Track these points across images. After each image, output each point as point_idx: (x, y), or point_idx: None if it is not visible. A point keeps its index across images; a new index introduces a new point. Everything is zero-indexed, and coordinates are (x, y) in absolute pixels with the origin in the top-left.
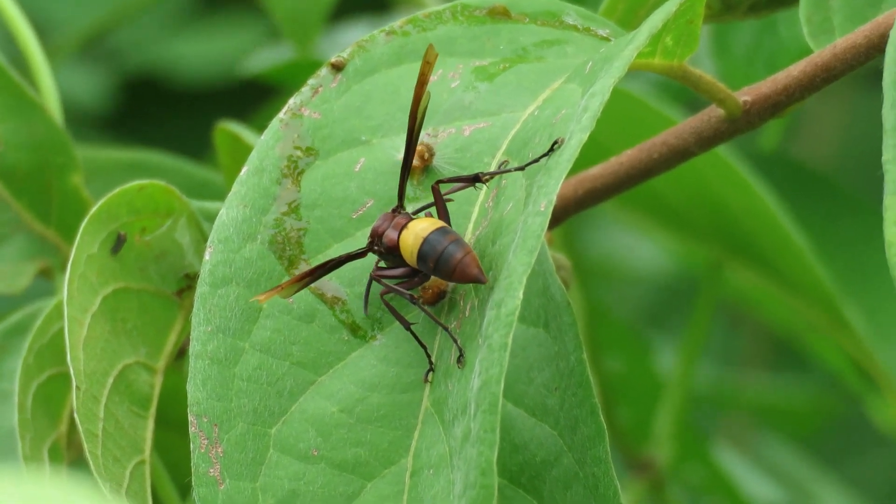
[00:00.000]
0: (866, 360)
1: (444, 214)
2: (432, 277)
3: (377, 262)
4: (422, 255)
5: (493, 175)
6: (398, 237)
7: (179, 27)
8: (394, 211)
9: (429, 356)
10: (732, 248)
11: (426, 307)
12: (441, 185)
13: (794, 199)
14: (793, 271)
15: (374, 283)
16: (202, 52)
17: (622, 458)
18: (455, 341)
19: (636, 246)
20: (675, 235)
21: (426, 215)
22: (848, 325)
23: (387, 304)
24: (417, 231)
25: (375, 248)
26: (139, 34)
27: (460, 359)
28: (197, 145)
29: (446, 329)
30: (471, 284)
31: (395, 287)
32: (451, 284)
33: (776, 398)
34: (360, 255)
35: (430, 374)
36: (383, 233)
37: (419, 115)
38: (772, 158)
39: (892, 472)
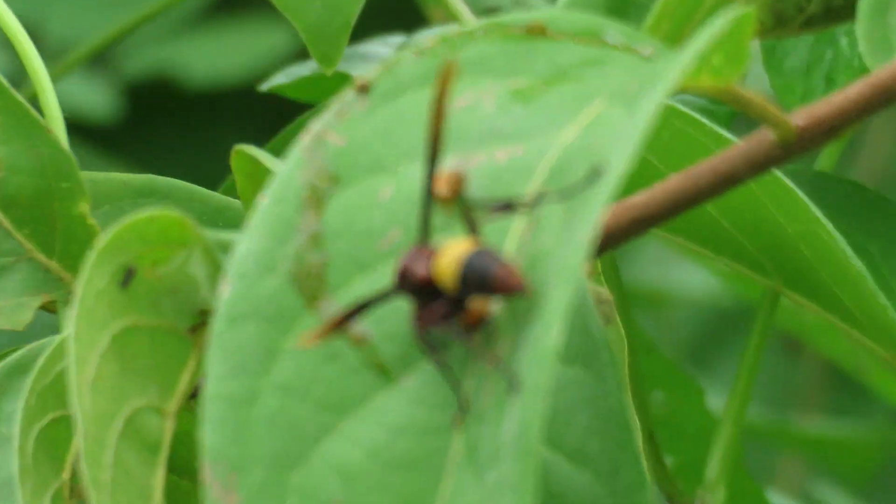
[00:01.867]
0: None
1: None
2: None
3: (417, 312)
4: (462, 276)
5: (528, 204)
6: (431, 269)
7: (191, 31)
8: (418, 246)
9: (462, 398)
10: (788, 276)
11: (471, 342)
12: (473, 214)
13: (853, 221)
14: (853, 300)
15: (413, 322)
16: (217, 58)
17: (670, 503)
18: (504, 374)
19: (686, 274)
20: (730, 265)
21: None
22: None
23: (425, 345)
24: (453, 255)
25: (403, 288)
26: (146, 38)
27: (513, 390)
28: (211, 162)
29: (492, 365)
30: (507, 316)
31: (435, 354)
32: (492, 310)
33: (836, 438)
34: (393, 295)
35: (462, 416)
36: (411, 271)
37: (437, 139)
38: (829, 177)
39: None
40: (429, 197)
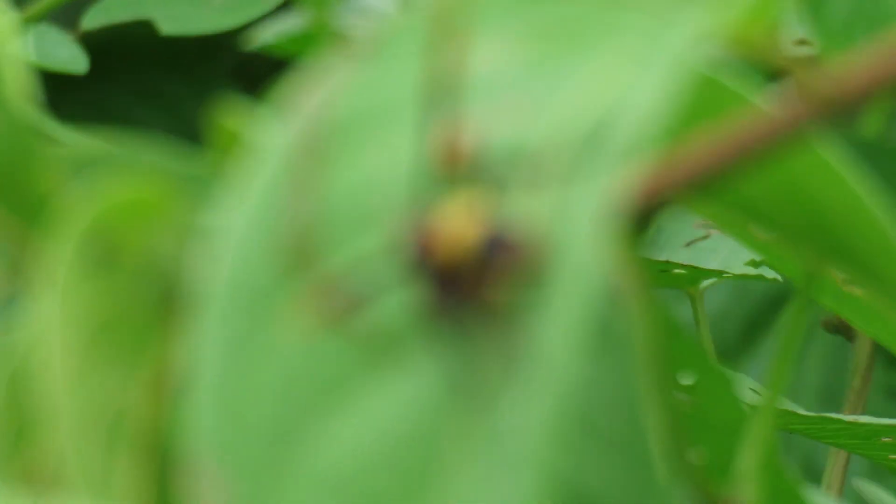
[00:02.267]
0: None
1: (485, 214)
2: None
3: (425, 295)
4: (469, 258)
5: (538, 172)
6: (436, 245)
7: None
8: (422, 219)
9: (469, 387)
10: (828, 253)
11: (480, 324)
12: (482, 179)
13: None
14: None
15: (415, 307)
16: (192, 5)
17: (698, 500)
18: (519, 357)
19: (718, 249)
20: (766, 232)
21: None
22: None
23: (432, 329)
24: (461, 232)
25: (411, 269)
26: None
27: (521, 379)
28: (183, 123)
29: (504, 354)
30: (521, 301)
31: (446, 310)
32: (509, 290)
33: (884, 430)
34: (396, 279)
35: (466, 408)
36: (417, 250)
37: (437, 99)
38: (873, 145)
39: None
40: (431, 160)
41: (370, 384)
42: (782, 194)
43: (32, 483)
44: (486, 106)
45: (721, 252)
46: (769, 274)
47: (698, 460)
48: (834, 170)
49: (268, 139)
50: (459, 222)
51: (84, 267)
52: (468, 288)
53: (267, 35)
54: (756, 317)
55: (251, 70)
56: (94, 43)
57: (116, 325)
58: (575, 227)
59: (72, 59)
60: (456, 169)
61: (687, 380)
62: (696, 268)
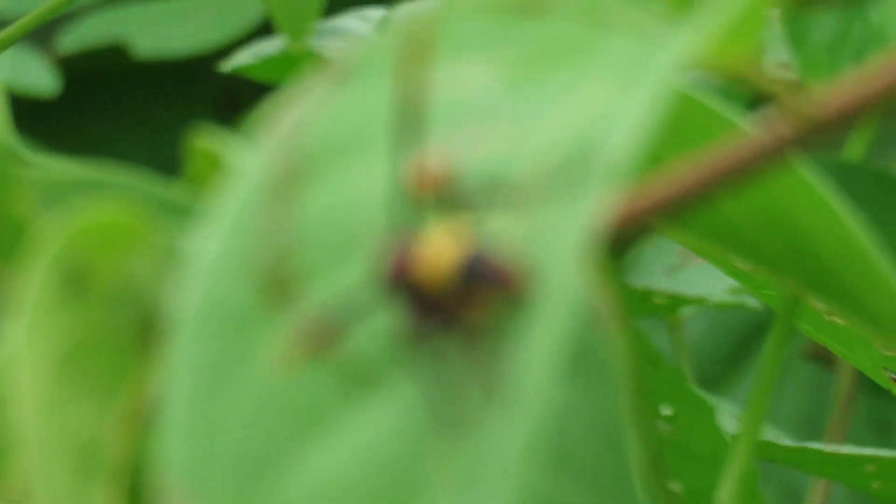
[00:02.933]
0: None
1: (467, 236)
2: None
3: (401, 316)
4: (451, 277)
5: (518, 194)
6: (415, 267)
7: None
8: (400, 242)
9: (447, 412)
10: (809, 279)
11: (460, 349)
12: (460, 202)
13: (882, 216)
14: (880, 305)
15: (394, 332)
16: (171, 30)
17: None
18: (498, 383)
19: (702, 276)
20: (744, 263)
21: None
22: None
23: (411, 354)
24: (440, 252)
25: (388, 289)
26: (86, 5)
27: (499, 405)
28: (161, 149)
29: (479, 380)
30: (499, 324)
31: (426, 336)
32: (485, 311)
33: (861, 462)
34: (373, 301)
35: (445, 433)
36: (394, 270)
37: (413, 122)
38: (855, 169)
39: None
40: (408, 187)
41: (348, 413)
42: (765, 219)
43: None
44: (466, 129)
45: (701, 280)
46: (750, 302)
47: (678, 489)
48: (817, 194)
49: (243, 163)
50: (438, 246)
51: (54, 292)
52: (448, 311)
53: (245, 57)
54: (736, 346)
55: (232, 96)
56: (71, 67)
57: (89, 350)
58: (556, 251)
59: (45, 83)
60: (434, 193)
61: (667, 409)
62: (675, 296)
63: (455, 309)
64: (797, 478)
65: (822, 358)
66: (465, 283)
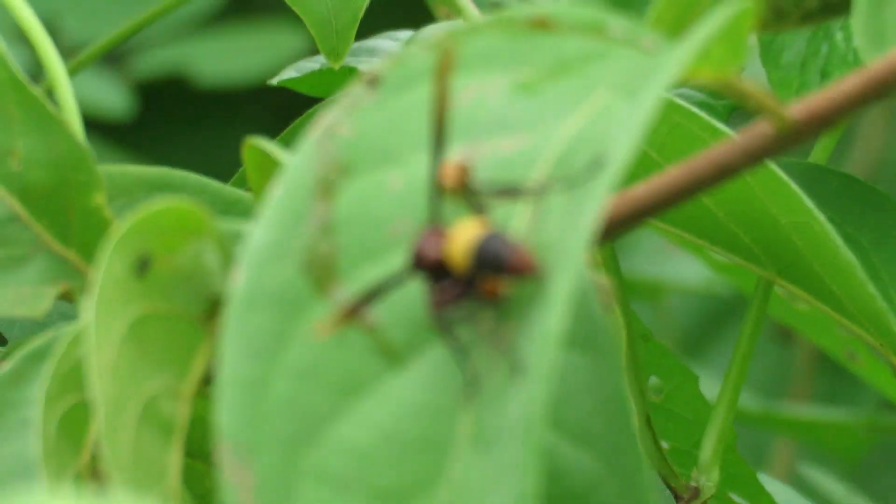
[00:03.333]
0: None
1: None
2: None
3: (431, 293)
4: (474, 258)
5: (532, 192)
6: (443, 251)
7: (203, 30)
8: (430, 230)
9: (471, 377)
10: (781, 266)
11: (480, 324)
12: (482, 199)
13: (845, 213)
14: (844, 289)
15: (426, 303)
16: (228, 56)
17: (667, 485)
18: (510, 358)
19: (681, 264)
20: (724, 255)
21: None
22: None
23: (437, 324)
24: (465, 237)
25: (419, 270)
26: (160, 36)
27: (517, 373)
28: (222, 156)
29: (499, 348)
30: (514, 300)
31: (452, 336)
32: (502, 291)
33: (825, 423)
34: (405, 279)
35: (470, 395)
36: (424, 252)
37: (441, 129)
38: (823, 170)
39: None
40: (436, 185)
41: (383, 377)
42: (743, 214)
43: (94, 479)
44: (488, 135)
45: (681, 267)
46: (719, 290)
47: (666, 448)
48: (790, 192)
49: (289, 164)
50: (462, 230)
51: (120, 270)
52: (471, 285)
53: (290, 72)
54: (708, 324)
55: (282, 115)
56: (142, 90)
57: (153, 323)
58: (569, 236)
59: (120, 104)
60: (459, 189)
61: (655, 379)
62: (658, 282)
63: (478, 283)
64: (764, 437)
65: (782, 337)
66: (485, 261)
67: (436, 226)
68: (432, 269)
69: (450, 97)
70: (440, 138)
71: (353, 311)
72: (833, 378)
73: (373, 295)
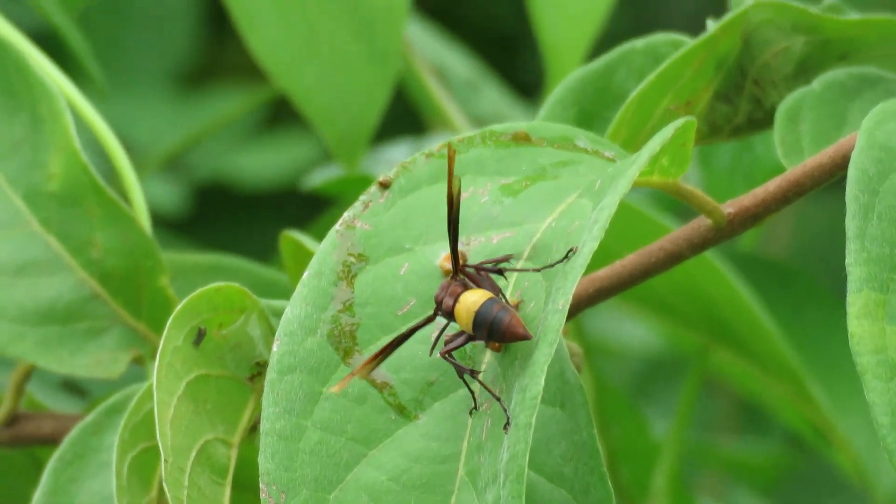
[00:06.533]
0: (826, 427)
1: (489, 286)
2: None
3: (445, 341)
4: (476, 323)
5: (517, 269)
6: (453, 307)
7: (245, 142)
8: (450, 279)
9: (498, 399)
10: (715, 333)
11: (481, 380)
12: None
13: (765, 291)
14: (765, 352)
15: (439, 353)
16: (264, 164)
17: None
18: (505, 410)
19: (633, 330)
20: (666, 322)
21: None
22: (811, 398)
23: (453, 363)
24: (469, 304)
25: (440, 313)
26: (211, 148)
27: (506, 426)
28: (261, 245)
29: (497, 398)
30: (505, 362)
31: (457, 364)
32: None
33: (746, 455)
34: (428, 321)
35: (472, 441)
36: (442, 300)
37: (455, 214)
38: (747, 256)
39: None
40: (455, 246)
41: (388, 440)
42: (684, 292)
43: None
44: (482, 228)
45: (632, 333)
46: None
47: (625, 481)
48: (721, 273)
49: (318, 253)
50: (471, 294)
51: (180, 339)
52: (473, 337)
53: (314, 179)
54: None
55: (308, 209)
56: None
57: (207, 382)
58: (550, 315)
59: (180, 204)
60: (464, 267)
61: (614, 424)
62: (610, 343)
63: (487, 336)
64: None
65: (709, 383)
66: (482, 321)
67: (457, 280)
68: (447, 314)
69: (458, 193)
70: (441, 233)
71: (380, 355)
72: (749, 418)
73: (398, 340)
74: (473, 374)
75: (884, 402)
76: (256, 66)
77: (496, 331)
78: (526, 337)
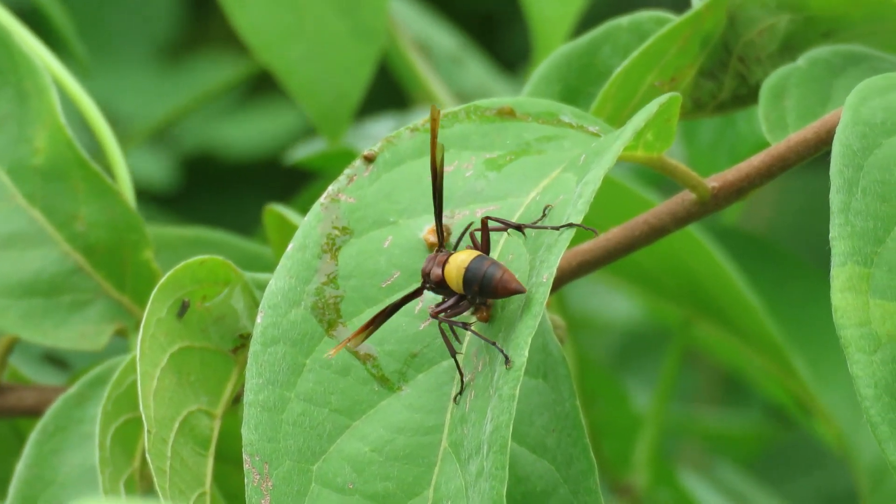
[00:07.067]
0: (808, 399)
1: (484, 246)
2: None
3: (434, 305)
4: (466, 281)
5: (501, 228)
6: (443, 271)
7: (228, 115)
8: (436, 252)
9: (462, 373)
10: (698, 307)
11: (476, 331)
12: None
13: (748, 265)
14: (747, 326)
15: (429, 312)
16: (248, 136)
17: (607, 484)
18: (501, 351)
19: (616, 304)
20: (649, 296)
21: (467, 247)
22: (793, 371)
23: (442, 332)
24: (458, 263)
25: (427, 285)
26: (195, 121)
27: (507, 361)
28: (245, 218)
29: (494, 344)
30: (495, 325)
31: (451, 319)
32: (490, 305)
33: (727, 427)
34: (416, 294)
35: (459, 396)
36: (430, 271)
37: (439, 181)
38: (730, 230)
39: (825, 489)
40: (440, 219)
41: (371, 411)
42: (668, 265)
43: (144, 482)
44: (466, 201)
45: (612, 306)
46: (643, 321)
47: (607, 454)
48: (704, 247)
49: (302, 226)
50: (459, 255)
51: (163, 312)
52: (463, 297)
53: (298, 154)
54: (632, 352)
55: (291, 182)
56: (180, 164)
57: (189, 354)
58: (535, 278)
59: (164, 177)
60: (451, 236)
61: (597, 396)
62: (594, 317)
63: (469, 299)
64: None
65: (692, 356)
66: (472, 278)
67: (442, 251)
68: (436, 285)
69: (442, 166)
70: (426, 206)
71: (370, 326)
72: (730, 390)
73: (388, 309)
74: (466, 326)
75: (867, 375)
76: (240, 39)
77: (487, 286)
78: (520, 290)
